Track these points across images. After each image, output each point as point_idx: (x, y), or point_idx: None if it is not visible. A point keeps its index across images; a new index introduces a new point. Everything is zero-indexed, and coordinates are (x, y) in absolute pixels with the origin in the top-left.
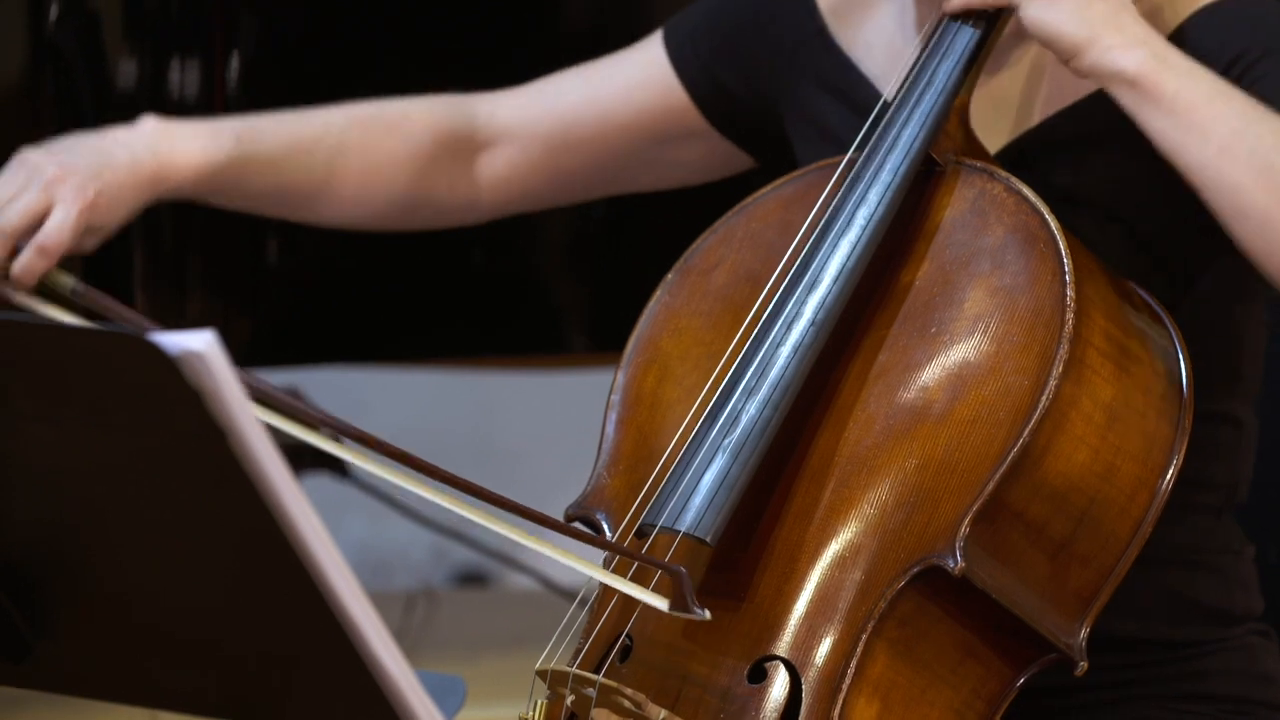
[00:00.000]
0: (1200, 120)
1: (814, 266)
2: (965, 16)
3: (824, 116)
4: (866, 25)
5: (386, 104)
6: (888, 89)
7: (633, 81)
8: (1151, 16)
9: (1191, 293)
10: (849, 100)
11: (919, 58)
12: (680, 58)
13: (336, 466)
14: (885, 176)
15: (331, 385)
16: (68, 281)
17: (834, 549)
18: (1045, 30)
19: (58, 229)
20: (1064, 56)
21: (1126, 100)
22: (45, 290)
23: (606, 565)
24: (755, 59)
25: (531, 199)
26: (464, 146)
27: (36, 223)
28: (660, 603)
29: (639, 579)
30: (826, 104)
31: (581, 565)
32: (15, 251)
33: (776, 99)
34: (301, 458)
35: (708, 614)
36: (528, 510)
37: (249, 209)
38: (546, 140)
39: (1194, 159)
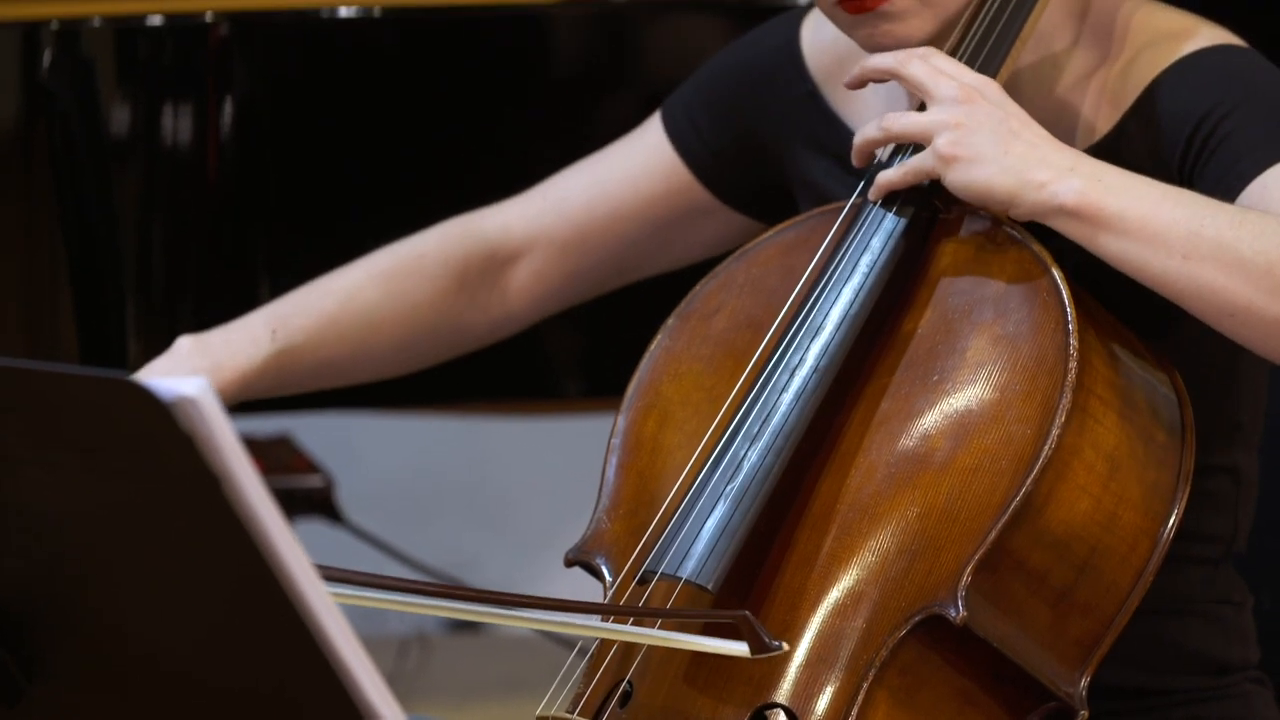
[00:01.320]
0: (1155, 231)
1: (817, 313)
2: None
3: (819, 178)
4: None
5: (399, 248)
6: (881, 150)
7: (637, 170)
8: (1122, 76)
9: (1190, 343)
10: (843, 161)
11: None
12: (679, 135)
13: (329, 512)
14: (888, 224)
15: (323, 430)
16: None
17: (835, 596)
18: (974, 192)
19: None
20: (1000, 210)
21: (1075, 232)
22: None
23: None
24: (751, 125)
25: (560, 301)
26: (486, 270)
27: None
28: (740, 648)
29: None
30: (821, 165)
31: (645, 636)
32: None
33: (777, 163)
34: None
35: (785, 645)
36: (578, 604)
37: (294, 391)
38: (564, 245)
39: (1160, 271)
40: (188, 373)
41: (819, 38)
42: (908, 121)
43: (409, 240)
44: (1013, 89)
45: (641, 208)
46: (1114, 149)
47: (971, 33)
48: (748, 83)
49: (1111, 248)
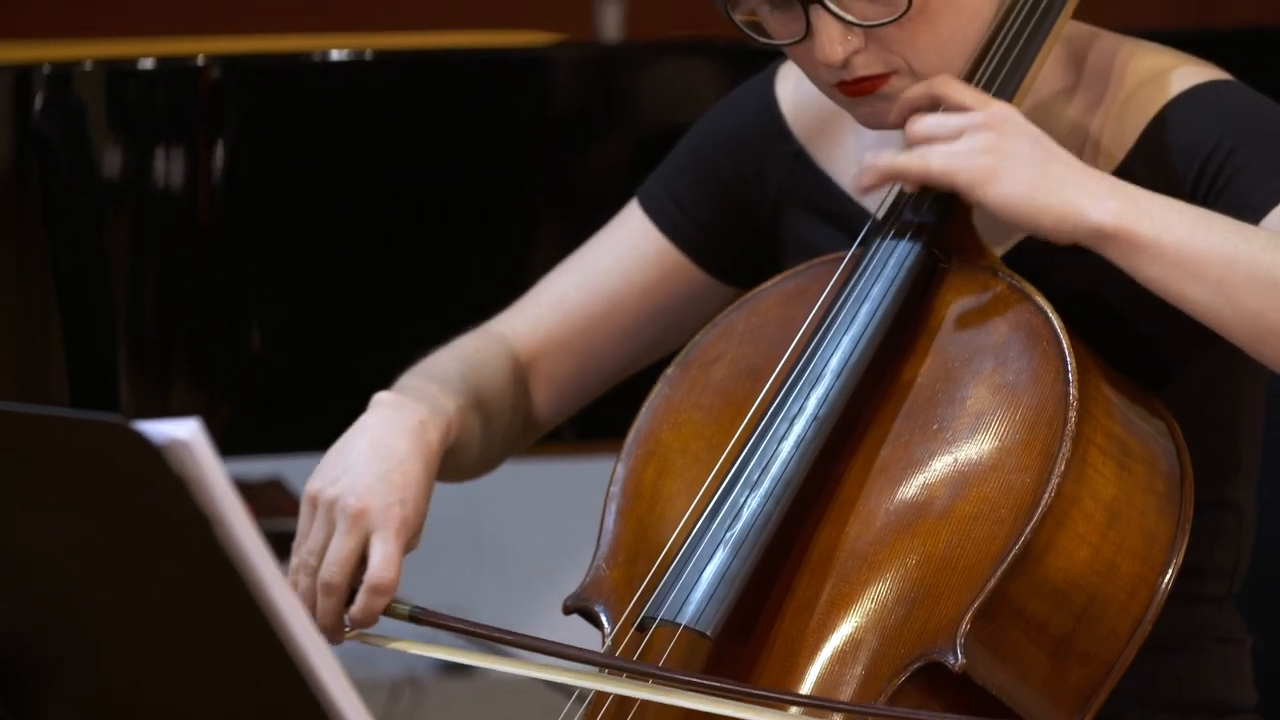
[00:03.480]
0: (1191, 254)
1: (817, 362)
2: None
3: (811, 237)
4: (844, 141)
5: (458, 346)
6: (875, 205)
7: (627, 262)
8: (1119, 117)
9: (1194, 381)
10: (833, 218)
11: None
12: (664, 218)
13: None
14: (889, 273)
15: None
16: (404, 608)
17: (834, 643)
18: (1010, 208)
19: (386, 564)
20: (1037, 230)
21: (1113, 254)
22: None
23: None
24: (738, 192)
25: (576, 401)
26: (519, 370)
27: (359, 565)
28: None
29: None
30: (812, 224)
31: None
32: (350, 595)
33: (766, 229)
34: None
35: None
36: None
37: (451, 474)
38: (570, 347)
39: (1197, 296)
40: (413, 419)
41: (799, 95)
42: (947, 150)
43: (454, 343)
44: None
45: (637, 298)
46: None
47: (988, 58)
48: (729, 150)
49: (1149, 271)
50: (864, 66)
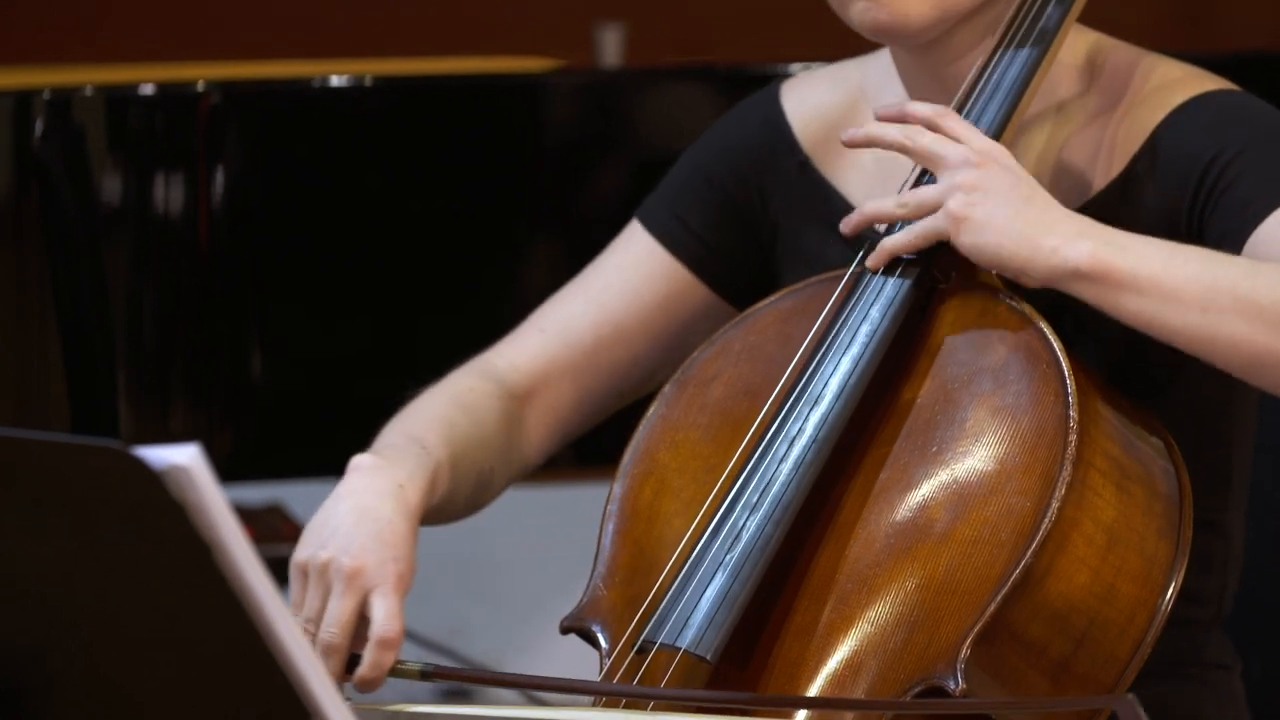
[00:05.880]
0: (1170, 287)
1: (816, 382)
2: None
3: (814, 249)
4: (849, 154)
5: (447, 386)
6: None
7: (634, 282)
8: (1126, 124)
9: (1186, 404)
10: (836, 230)
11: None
12: (670, 237)
13: None
14: (889, 293)
15: (314, 499)
16: (415, 667)
17: (834, 667)
18: (985, 255)
19: (389, 618)
20: (1013, 274)
21: (1090, 294)
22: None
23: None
24: (744, 212)
25: (575, 429)
26: (512, 407)
27: (358, 625)
28: None
29: (646, 680)
30: (817, 236)
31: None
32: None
33: (769, 243)
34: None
35: None
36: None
37: (438, 521)
38: (574, 374)
39: (1180, 326)
40: (392, 483)
41: (804, 107)
42: (922, 196)
43: (444, 382)
44: (1019, 137)
45: (645, 321)
46: (1121, 195)
47: (979, 89)
48: (736, 164)
49: (1129, 307)
50: None
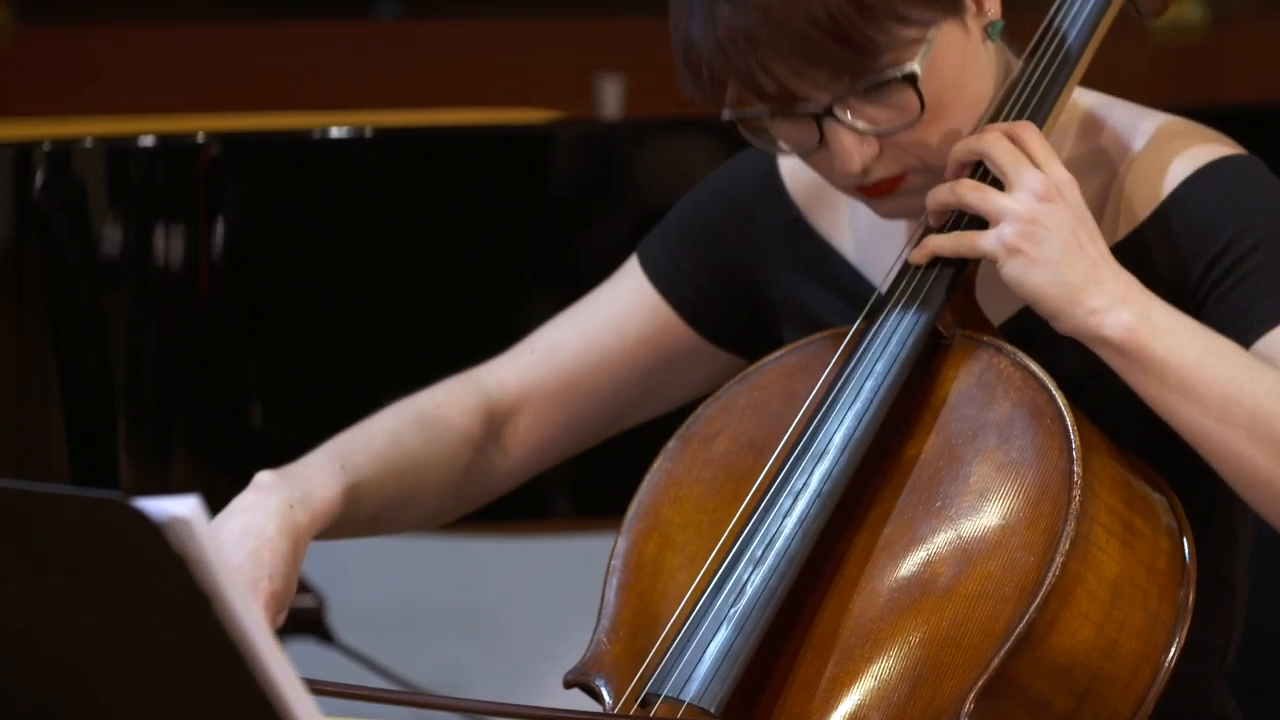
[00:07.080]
0: (1194, 385)
1: (821, 438)
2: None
3: (809, 304)
4: (843, 208)
5: (419, 399)
6: (879, 278)
7: (621, 315)
8: (1135, 184)
9: (1192, 458)
10: (832, 285)
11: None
12: (660, 276)
13: (321, 633)
14: (893, 349)
15: (314, 550)
16: None
17: None
18: (1024, 290)
19: None
20: (1045, 316)
21: (1115, 364)
22: None
23: None
24: (733, 257)
25: (556, 453)
26: (491, 423)
27: None
28: None
29: None
30: (810, 291)
31: None
32: None
33: (761, 295)
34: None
35: None
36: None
37: (349, 536)
38: (557, 396)
39: (1190, 424)
40: (281, 502)
41: (799, 162)
42: (980, 196)
43: (423, 393)
44: None
45: (628, 353)
46: (1129, 256)
47: (1005, 113)
48: (728, 214)
49: (1148, 388)
50: (882, 170)
